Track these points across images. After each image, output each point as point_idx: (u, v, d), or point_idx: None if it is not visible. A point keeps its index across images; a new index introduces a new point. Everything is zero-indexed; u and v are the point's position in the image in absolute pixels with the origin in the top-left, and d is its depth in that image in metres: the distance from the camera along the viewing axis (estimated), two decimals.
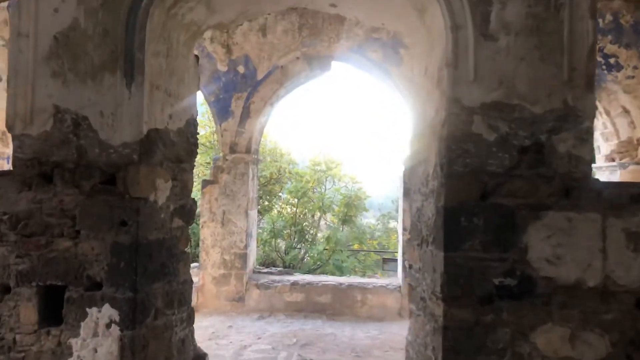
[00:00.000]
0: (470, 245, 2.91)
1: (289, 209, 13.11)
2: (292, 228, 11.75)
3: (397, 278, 7.63)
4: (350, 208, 11.34)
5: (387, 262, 11.76)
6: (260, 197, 13.38)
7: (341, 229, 11.65)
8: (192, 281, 3.76)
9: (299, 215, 11.84)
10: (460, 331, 2.91)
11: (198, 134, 3.85)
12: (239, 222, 7.20)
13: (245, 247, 7.22)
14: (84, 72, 3.03)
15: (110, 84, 3.02)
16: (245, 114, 7.20)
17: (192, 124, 3.71)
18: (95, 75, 3.03)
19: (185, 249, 3.67)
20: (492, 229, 2.91)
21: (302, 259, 11.58)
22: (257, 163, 7.79)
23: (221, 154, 7.32)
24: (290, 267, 11.34)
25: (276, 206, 13.94)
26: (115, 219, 3.02)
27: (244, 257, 7.21)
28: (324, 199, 11.46)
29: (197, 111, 3.78)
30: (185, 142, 3.62)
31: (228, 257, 7.21)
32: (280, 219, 11.30)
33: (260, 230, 11.84)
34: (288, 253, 11.36)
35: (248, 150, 7.26)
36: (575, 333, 2.85)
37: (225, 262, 7.21)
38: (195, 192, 11.41)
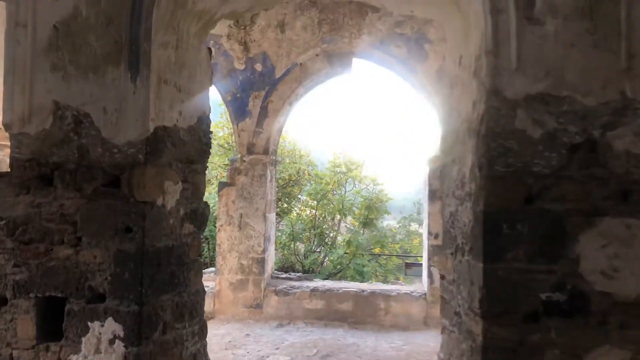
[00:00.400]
0: (514, 255, 2.57)
1: (308, 212, 12.85)
2: (312, 231, 11.46)
3: (422, 285, 7.27)
4: (372, 211, 11.00)
5: (410, 267, 11.39)
6: (279, 199, 13.13)
7: (362, 232, 11.31)
8: (204, 291, 3.49)
9: (319, 218, 11.55)
10: (502, 352, 2.57)
11: (212, 133, 3.59)
12: (256, 225, 6.93)
13: (263, 251, 6.95)
14: (85, 65, 2.79)
15: (114, 77, 2.78)
16: (263, 114, 6.94)
17: (204, 121, 3.44)
18: (98, 68, 2.79)
19: (197, 257, 3.41)
20: (538, 237, 2.56)
21: (322, 263, 11.28)
22: (275, 164, 7.53)
23: (238, 155, 7.07)
24: (309, 272, 11.06)
25: (295, 208, 13.69)
26: (119, 225, 2.77)
27: (261, 262, 6.95)
28: (344, 202, 11.14)
29: (209, 108, 3.52)
30: (197, 142, 3.36)
31: (245, 262, 6.95)
32: (299, 221, 11.03)
33: (278, 233, 11.59)
34: (307, 257, 11.08)
35: (266, 151, 7.00)
36: (637, 357, 2.49)
37: (243, 267, 6.95)
38: (213, 195, 11.22)
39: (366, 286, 7.17)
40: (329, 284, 7.26)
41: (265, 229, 6.96)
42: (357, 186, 11.90)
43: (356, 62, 7.20)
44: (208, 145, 3.50)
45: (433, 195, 6.75)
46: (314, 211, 11.85)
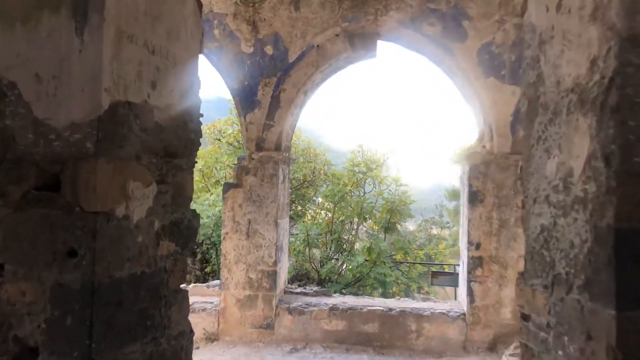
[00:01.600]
0: None
1: (323, 215, 11.90)
2: (328, 236, 10.52)
3: (460, 302, 6.28)
4: (394, 214, 10.03)
5: (436, 276, 10.34)
6: (293, 202, 12.21)
7: (383, 237, 10.34)
8: (191, 332, 2.55)
9: (336, 222, 10.60)
10: None
11: (202, 116, 2.65)
12: (267, 233, 6.01)
13: (275, 263, 6.02)
14: (9, 13, 1.89)
15: (52, 29, 1.87)
16: (275, 104, 6.02)
17: (191, 100, 2.52)
18: (29, 17, 1.89)
19: (181, 286, 2.48)
20: None
21: (339, 272, 10.33)
22: (288, 163, 6.60)
23: (246, 152, 6.15)
24: (325, 281, 10.12)
25: (310, 211, 12.76)
26: (58, 247, 1.87)
27: (273, 275, 6.02)
28: (364, 204, 10.18)
29: (199, 82, 2.58)
30: (181, 127, 2.43)
31: (254, 275, 6.03)
32: (315, 226, 10.09)
33: (292, 239, 10.66)
34: (324, 265, 10.13)
35: (278, 147, 6.07)
36: None
37: (251, 282, 6.03)
38: (217, 197, 10.32)
39: (394, 303, 6.20)
40: (350, 300, 6.30)
41: (277, 237, 6.03)
42: (377, 187, 10.92)
43: (381, 45, 6.26)
44: (197, 133, 2.57)
45: (474, 197, 5.76)
46: (330, 214, 10.90)
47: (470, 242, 5.77)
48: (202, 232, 10.01)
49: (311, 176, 11.18)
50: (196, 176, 11.30)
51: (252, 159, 6.05)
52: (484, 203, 5.75)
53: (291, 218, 12.61)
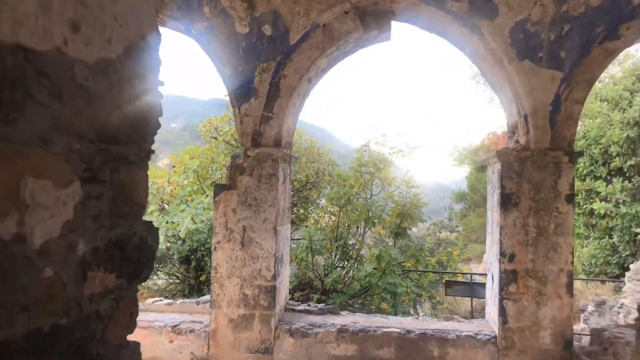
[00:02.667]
0: None
1: (327, 219, 11.08)
2: (333, 242, 9.68)
3: (489, 322, 5.44)
4: (405, 218, 9.19)
5: (450, 286, 9.52)
6: (295, 205, 11.37)
7: (393, 243, 9.50)
8: None
9: (341, 227, 9.76)
10: None
11: (163, 84, 1.83)
12: (264, 242, 5.18)
13: (274, 277, 5.19)
14: None
15: None
16: (274, 92, 5.20)
17: (143, 56, 1.69)
18: None
19: (128, 337, 1.66)
20: None
21: (346, 281, 9.49)
22: (290, 161, 5.77)
23: (241, 149, 5.33)
24: (331, 291, 9.28)
25: (313, 215, 11.93)
26: None
27: (271, 291, 5.19)
28: (372, 207, 9.34)
29: (157, 29, 1.76)
30: (127, 97, 1.60)
31: (250, 291, 5.20)
32: (318, 231, 9.26)
33: (294, 245, 9.84)
34: (328, 273, 9.29)
35: (277, 143, 5.25)
36: None
37: (247, 299, 5.20)
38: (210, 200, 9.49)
39: (412, 324, 5.36)
40: (361, 320, 5.47)
41: (276, 246, 5.20)
42: (385, 188, 10.08)
43: (396, 26, 5.45)
44: (154, 108, 1.74)
45: (507, 201, 4.93)
46: (335, 218, 10.07)
47: (502, 253, 4.93)
48: (195, 238, 9.18)
49: (314, 177, 10.35)
50: (191, 177, 10.48)
51: (248, 156, 5.23)
52: (519, 207, 4.92)
53: (293, 222, 11.78)
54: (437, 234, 16.02)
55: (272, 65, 5.16)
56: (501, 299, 4.92)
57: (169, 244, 9.45)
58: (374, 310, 10.24)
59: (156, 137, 1.82)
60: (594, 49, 4.76)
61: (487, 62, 5.14)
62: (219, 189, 5.28)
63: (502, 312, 4.89)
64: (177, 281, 9.97)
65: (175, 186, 10.14)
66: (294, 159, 5.87)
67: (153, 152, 1.79)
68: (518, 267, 4.90)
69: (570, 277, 4.85)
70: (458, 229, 18.36)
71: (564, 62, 4.81)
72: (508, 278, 4.91)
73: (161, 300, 5.88)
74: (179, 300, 5.79)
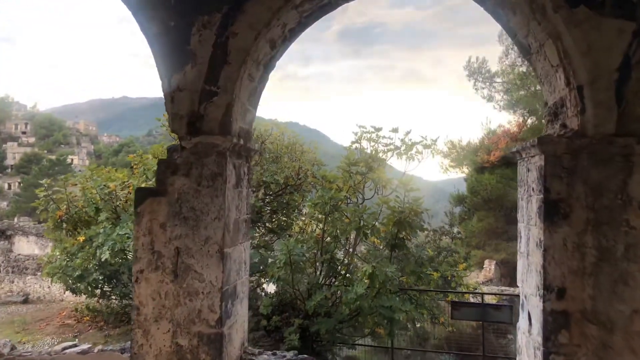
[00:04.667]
0: None
1: (315, 226, 9.52)
2: (318, 256, 8.15)
3: None
4: (403, 227, 7.67)
5: (457, 308, 8.02)
6: (275, 212, 9.82)
7: (389, 257, 7.96)
8: None
9: (327, 238, 8.23)
10: None
11: None
12: (206, 271, 3.63)
13: (220, 321, 3.63)
14: None
15: None
16: (220, 58, 3.65)
17: None
18: None
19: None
20: None
21: (333, 302, 7.96)
22: (248, 156, 4.22)
23: (175, 139, 3.79)
24: (314, 315, 7.73)
25: (298, 222, 10.38)
26: None
27: (217, 341, 3.63)
28: (364, 215, 7.80)
29: None
30: None
31: (186, 341, 3.64)
32: (300, 243, 7.71)
33: (271, 260, 8.28)
34: (312, 294, 7.76)
35: (225, 130, 3.69)
36: None
37: (181, 352, 3.64)
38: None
39: None
40: None
41: (223, 277, 3.65)
42: (380, 192, 8.56)
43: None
44: None
45: (553, 210, 3.40)
46: (320, 227, 8.53)
47: (546, 286, 3.40)
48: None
49: (295, 179, 8.80)
50: (151, 179, 8.90)
51: (183, 148, 3.69)
52: (571, 220, 3.40)
53: (273, 232, 10.24)
54: (438, 241, 14.46)
55: (217, 18, 3.62)
56: (546, 353, 3.39)
57: (119, 260, 7.87)
58: (367, 335, 8.71)
59: None
60: None
61: (521, 14, 3.62)
62: (142, 195, 3.72)
63: (546, 355, 3.37)
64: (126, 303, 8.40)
65: (131, 190, 8.57)
66: (253, 154, 4.31)
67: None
68: (571, 306, 3.37)
69: None
70: (460, 236, 16.83)
71: (636, 8, 3.30)
72: (556, 323, 3.38)
73: (75, 345, 4.31)
74: (96, 348, 4.22)
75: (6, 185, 68.81)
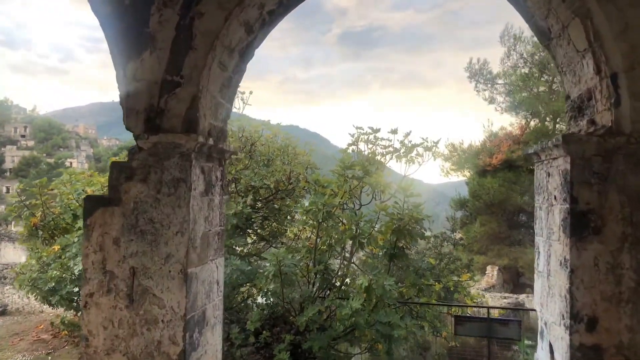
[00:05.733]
0: None
1: (310, 234, 8.93)
2: (312, 267, 7.57)
3: None
4: (402, 236, 7.09)
5: (461, 323, 7.44)
6: (266, 218, 9.22)
7: (388, 267, 7.37)
8: None
9: (321, 247, 7.65)
10: None
11: None
12: (167, 295, 3.05)
13: (183, 355, 3.05)
14: None
15: None
16: (184, 42, 3.08)
17: None
18: None
19: None
20: None
21: (328, 316, 7.36)
22: (221, 159, 3.64)
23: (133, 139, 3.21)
24: (307, 332, 7.14)
25: (292, 229, 9.78)
26: None
27: None
28: (360, 222, 7.23)
29: None
30: None
31: None
32: (291, 253, 7.12)
33: (261, 270, 7.70)
34: (305, 308, 7.17)
35: (191, 127, 3.11)
36: None
37: None
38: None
39: None
40: None
41: (187, 302, 3.06)
42: (378, 197, 7.99)
43: None
44: None
45: (581, 223, 2.83)
46: (313, 236, 7.95)
47: (574, 315, 2.82)
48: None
49: (286, 183, 8.22)
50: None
51: (140, 149, 3.11)
52: (604, 235, 2.82)
53: (265, 240, 9.66)
54: (439, 247, 13.86)
55: None
56: None
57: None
58: (364, 351, 8.10)
59: None
60: None
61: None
62: (92, 204, 3.15)
63: None
64: None
65: None
66: (228, 156, 3.72)
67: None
68: (604, 340, 2.79)
69: None
70: (462, 242, 16.23)
71: None
72: (586, 359, 2.80)
73: None
74: None
75: (4, 189, 68.32)
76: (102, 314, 3.11)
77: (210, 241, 3.41)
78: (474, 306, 8.48)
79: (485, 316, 8.08)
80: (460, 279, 8.72)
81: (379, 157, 7.88)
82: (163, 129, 3.09)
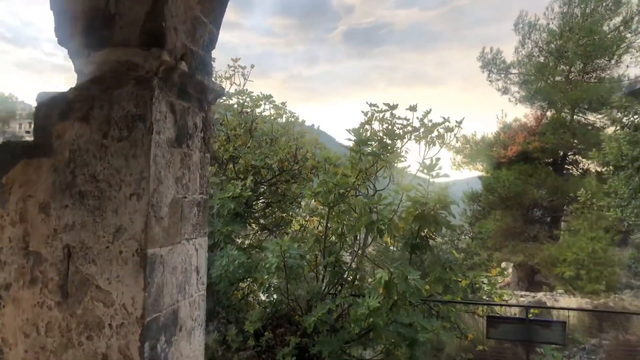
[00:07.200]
0: None
1: (317, 223, 7.94)
2: (321, 259, 6.59)
3: None
4: (426, 223, 6.09)
5: (495, 325, 6.43)
6: (269, 205, 8.24)
7: (408, 260, 6.37)
8: None
9: (332, 237, 6.67)
10: None
11: None
12: (116, 287, 2.08)
13: None
14: None
15: None
16: None
17: None
18: None
19: None
20: None
21: (339, 316, 6.38)
22: (202, 98, 2.64)
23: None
24: (315, 334, 6.17)
25: (298, 218, 8.79)
26: None
27: None
28: (378, 206, 6.22)
29: None
30: None
31: None
32: (297, 243, 6.13)
33: (263, 263, 6.71)
34: (313, 305, 6.19)
35: (152, 40, 2.12)
36: None
37: None
38: None
39: None
40: None
41: (147, 296, 2.09)
42: (395, 179, 6.97)
43: None
44: None
45: None
46: (323, 223, 6.96)
47: None
48: None
49: (292, 162, 7.21)
50: None
51: (80, 73, 2.13)
52: None
53: (267, 229, 8.67)
54: (456, 241, 12.85)
55: None
56: None
57: None
58: (379, 354, 7.10)
59: None
60: None
61: None
62: (9, 154, 2.17)
63: None
64: None
65: None
66: (212, 97, 2.71)
67: None
68: None
69: None
70: (481, 235, 15.19)
71: None
72: None
73: None
74: None
75: None
76: (22, 314, 2.13)
77: (185, 212, 2.42)
78: (509, 305, 7.46)
79: (517, 316, 7.08)
80: (488, 274, 7.69)
81: (397, 131, 6.82)
82: (113, 42, 2.10)
